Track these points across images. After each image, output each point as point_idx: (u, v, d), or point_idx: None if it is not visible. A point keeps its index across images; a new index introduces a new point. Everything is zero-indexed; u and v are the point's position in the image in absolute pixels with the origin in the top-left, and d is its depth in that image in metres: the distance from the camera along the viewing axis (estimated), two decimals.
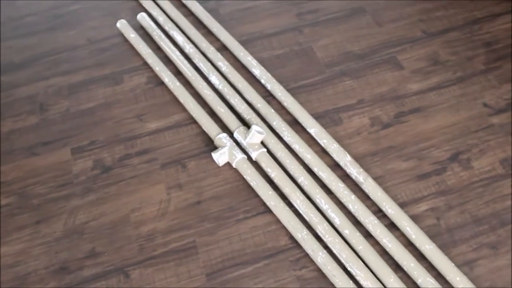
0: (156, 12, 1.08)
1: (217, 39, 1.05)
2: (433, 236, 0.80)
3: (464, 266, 0.78)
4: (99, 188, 0.86)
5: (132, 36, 1.03)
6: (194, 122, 0.93)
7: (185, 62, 0.98)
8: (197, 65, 0.99)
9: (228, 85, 0.96)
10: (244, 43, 1.04)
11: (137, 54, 1.03)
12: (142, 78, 0.99)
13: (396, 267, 0.77)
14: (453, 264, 0.76)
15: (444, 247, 0.79)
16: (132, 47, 1.04)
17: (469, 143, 0.89)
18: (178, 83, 0.96)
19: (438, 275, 0.76)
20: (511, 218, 0.81)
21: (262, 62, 1.01)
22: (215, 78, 0.96)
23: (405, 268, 0.76)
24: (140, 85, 0.99)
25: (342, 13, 1.09)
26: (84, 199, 0.85)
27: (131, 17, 1.10)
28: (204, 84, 0.95)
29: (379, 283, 0.75)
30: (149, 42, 1.04)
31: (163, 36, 1.03)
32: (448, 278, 0.75)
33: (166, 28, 1.05)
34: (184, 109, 0.95)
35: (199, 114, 0.92)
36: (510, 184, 0.85)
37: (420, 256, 0.78)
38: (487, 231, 0.81)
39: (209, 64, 0.99)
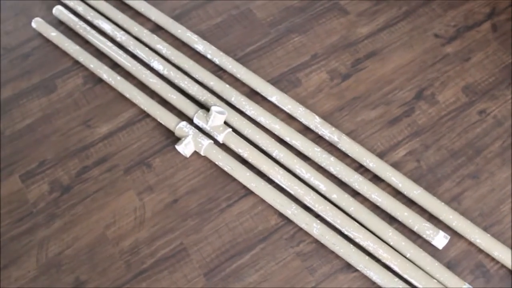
0: (72, 2, 0.96)
1: (148, 19, 0.95)
2: (417, 179, 0.80)
3: (453, 202, 0.78)
4: (63, 211, 0.78)
5: (54, 35, 0.91)
6: (147, 116, 0.86)
7: (120, 52, 0.89)
8: (134, 52, 0.90)
9: (174, 68, 0.88)
10: (178, 18, 0.95)
11: (64, 54, 0.92)
12: (77, 80, 0.89)
13: (390, 220, 0.77)
14: (442, 203, 0.76)
15: (430, 188, 0.79)
16: (56, 47, 0.93)
17: (429, 77, 0.88)
18: (118, 77, 0.87)
19: (431, 217, 0.77)
20: (483, 144, 0.83)
21: (202, 35, 0.93)
22: (157, 64, 0.88)
23: (399, 219, 0.76)
24: (77, 87, 0.89)
25: None
26: (50, 228, 0.77)
27: (46, 13, 0.97)
28: (147, 72, 0.87)
29: (379, 239, 0.74)
30: (74, 38, 0.93)
31: (88, 28, 0.92)
32: (441, 218, 0.76)
33: (89, 18, 0.94)
34: (133, 104, 0.86)
35: (151, 106, 0.84)
36: (476, 111, 0.85)
37: (410, 203, 0.78)
38: (465, 162, 0.81)
39: (147, 49, 0.90)
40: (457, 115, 0.85)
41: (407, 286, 0.70)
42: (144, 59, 0.89)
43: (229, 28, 0.94)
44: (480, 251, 0.75)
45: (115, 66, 0.90)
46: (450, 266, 0.74)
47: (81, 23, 0.93)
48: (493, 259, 0.75)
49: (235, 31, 0.94)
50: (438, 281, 0.71)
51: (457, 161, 0.81)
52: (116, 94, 0.88)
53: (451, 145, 0.83)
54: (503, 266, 0.74)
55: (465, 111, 0.85)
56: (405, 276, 0.71)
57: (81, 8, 0.95)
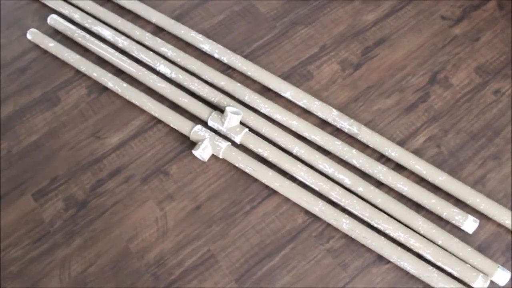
0: (67, 10, 0.92)
1: (149, 22, 0.92)
2: (439, 164, 0.79)
3: (477, 184, 0.78)
4: (82, 228, 0.75)
5: (51, 45, 0.88)
6: (159, 122, 0.83)
7: (124, 58, 0.86)
8: (138, 57, 0.87)
9: (181, 71, 0.85)
10: (179, 18, 0.92)
11: (64, 64, 0.88)
12: (81, 90, 0.86)
13: (418, 208, 0.76)
14: (468, 187, 0.76)
15: (453, 172, 0.78)
16: (55, 58, 0.89)
17: (441, 60, 0.87)
18: (125, 84, 0.84)
19: (457, 202, 0.76)
20: (501, 124, 0.82)
21: (206, 34, 0.91)
22: (164, 67, 0.85)
23: (427, 206, 0.75)
24: (81, 98, 0.85)
25: None
26: (71, 246, 0.74)
27: (40, 23, 0.93)
28: (155, 77, 0.84)
29: (409, 229, 0.73)
30: (73, 47, 0.89)
31: (87, 35, 0.88)
32: (468, 202, 0.75)
33: (87, 25, 0.90)
34: (142, 111, 0.84)
35: (162, 111, 0.81)
36: (491, 91, 0.85)
37: (435, 189, 0.77)
38: (486, 143, 0.81)
39: (151, 53, 0.87)
40: (472, 96, 0.84)
41: (442, 273, 0.70)
42: (150, 64, 0.86)
43: (233, 25, 0.92)
44: (510, 232, 0.75)
45: (119, 73, 0.87)
46: (481, 249, 0.74)
47: (79, 31, 0.89)
48: None
49: (239, 27, 0.92)
50: (472, 266, 0.71)
51: (478, 143, 0.81)
52: (123, 102, 0.85)
53: (470, 127, 0.82)
54: None
55: (480, 92, 0.84)
56: (439, 263, 0.71)
57: (77, 15, 0.91)
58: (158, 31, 0.91)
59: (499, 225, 0.75)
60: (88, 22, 0.90)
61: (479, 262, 0.71)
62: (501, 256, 0.73)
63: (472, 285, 0.70)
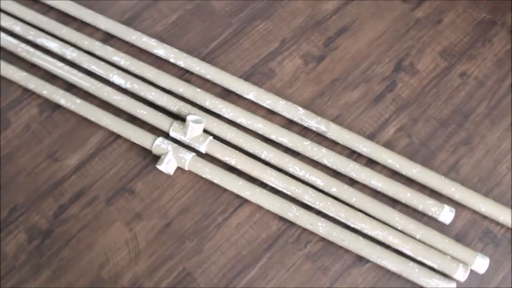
0: (7, 22, 0.85)
1: (97, 29, 0.86)
2: (412, 155, 0.78)
3: (451, 172, 0.77)
4: (49, 259, 0.71)
5: None
6: (118, 137, 0.78)
7: (74, 71, 0.80)
8: (90, 69, 0.81)
9: (137, 80, 0.80)
10: (130, 22, 0.87)
11: (10, 83, 0.82)
12: (32, 110, 0.80)
13: (393, 203, 0.74)
14: (442, 177, 0.75)
15: (426, 162, 0.77)
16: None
17: (405, 46, 0.85)
18: (78, 100, 0.78)
19: (432, 193, 0.75)
20: (470, 108, 0.81)
21: (160, 37, 0.85)
22: (117, 78, 0.80)
23: (402, 201, 0.73)
24: (33, 118, 0.80)
25: None
26: (38, 279, 0.70)
27: None
28: (109, 89, 0.79)
29: (387, 226, 0.72)
30: (18, 63, 0.83)
31: (31, 49, 0.82)
32: (443, 192, 0.74)
33: (30, 37, 0.84)
34: (99, 127, 0.79)
35: (120, 126, 0.77)
36: (457, 74, 0.83)
37: (409, 182, 0.76)
38: (456, 129, 0.80)
39: (103, 63, 0.82)
40: (439, 81, 0.82)
41: (422, 267, 0.69)
42: (102, 75, 0.81)
43: (188, 25, 0.87)
44: (485, 217, 0.74)
45: (71, 88, 0.81)
46: (459, 238, 0.73)
47: (23, 45, 0.83)
48: (498, 223, 0.74)
49: (195, 27, 0.87)
50: (452, 257, 0.70)
51: (448, 129, 0.79)
52: (78, 119, 0.80)
53: (439, 114, 0.80)
54: (509, 228, 0.74)
55: (446, 76, 0.83)
56: (419, 258, 0.70)
57: (18, 28, 0.84)
58: (108, 38, 0.86)
59: (475, 211, 0.74)
60: (31, 35, 0.84)
61: (458, 252, 0.70)
62: (478, 242, 0.73)
63: (453, 276, 0.69)
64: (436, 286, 0.68)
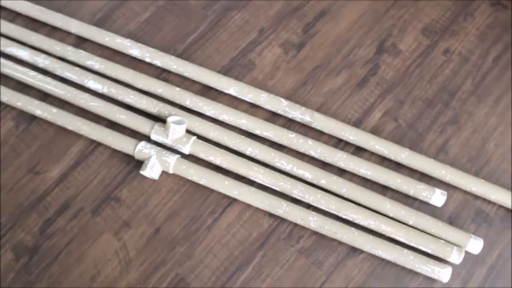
0: None
1: (69, 33, 0.83)
2: (399, 139, 0.76)
3: (440, 153, 0.76)
4: (38, 276, 0.70)
5: None
6: (99, 144, 0.76)
7: (48, 79, 0.78)
8: (64, 76, 0.79)
9: (113, 83, 0.78)
10: (101, 23, 0.84)
11: None
12: (8, 123, 0.78)
13: (384, 189, 0.73)
14: (431, 160, 0.74)
15: (414, 145, 0.76)
16: None
17: (386, 26, 0.83)
18: (54, 110, 0.76)
19: (422, 176, 0.74)
20: (455, 85, 0.79)
21: (134, 36, 0.83)
22: (93, 83, 0.78)
23: (393, 187, 0.72)
24: (10, 132, 0.77)
25: None
26: None
27: None
28: (86, 95, 0.77)
29: (378, 214, 0.71)
30: None
31: (2, 59, 0.80)
32: (434, 175, 0.73)
33: None
34: (79, 136, 0.76)
35: (100, 133, 0.75)
36: (440, 52, 0.81)
37: (399, 167, 0.75)
38: (442, 109, 0.78)
39: (77, 68, 0.79)
40: (422, 60, 0.80)
41: (417, 254, 0.68)
42: (77, 81, 0.78)
43: (161, 21, 0.84)
44: (477, 197, 0.74)
45: (46, 97, 0.79)
46: (452, 220, 0.72)
47: None
48: (490, 202, 0.74)
49: (169, 22, 0.84)
50: (445, 240, 0.69)
51: (434, 110, 0.78)
52: (56, 129, 0.77)
53: (425, 94, 0.79)
54: (501, 206, 0.73)
55: (429, 54, 0.81)
56: (412, 244, 0.69)
57: None
58: (80, 42, 0.83)
59: (466, 192, 0.74)
60: None
61: (451, 235, 0.69)
62: (471, 223, 0.73)
63: (448, 259, 0.69)
64: (431, 271, 0.68)
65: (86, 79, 0.78)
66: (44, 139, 0.77)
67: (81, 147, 0.76)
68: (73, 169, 0.75)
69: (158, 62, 0.80)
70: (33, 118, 0.78)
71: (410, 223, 0.70)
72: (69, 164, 0.76)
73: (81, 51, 0.80)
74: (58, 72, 0.79)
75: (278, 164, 0.73)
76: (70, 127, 0.76)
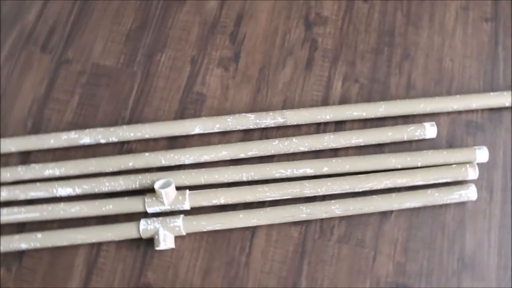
0: None
1: (10, 154, 0.77)
2: (369, 96, 0.78)
3: (409, 90, 0.78)
4: None
5: None
6: (100, 244, 0.71)
7: (14, 209, 0.71)
8: (29, 198, 0.72)
9: (83, 180, 0.73)
10: (37, 127, 0.78)
11: None
12: None
13: (380, 148, 0.75)
14: (406, 100, 0.75)
15: (385, 95, 0.78)
16: None
17: (302, 1, 0.83)
18: (39, 235, 0.70)
19: (406, 119, 0.76)
20: (389, 24, 0.81)
21: (76, 125, 0.78)
22: (63, 189, 0.72)
23: (388, 141, 0.74)
24: (5, 279, 0.70)
25: None
26: None
27: None
28: (61, 205, 0.71)
29: (389, 172, 0.71)
30: None
31: None
32: (416, 112, 0.75)
33: None
34: (77, 246, 0.72)
35: (97, 233, 0.70)
36: (361, 1, 0.83)
37: (382, 121, 0.76)
38: (390, 50, 0.80)
39: (38, 183, 0.73)
40: (350, 16, 0.82)
41: (439, 188, 0.70)
42: (46, 196, 0.73)
43: (95, 98, 0.80)
44: (460, 113, 0.76)
45: (22, 227, 0.73)
46: (451, 143, 0.75)
47: None
48: (473, 111, 0.77)
49: (102, 95, 0.80)
50: (456, 163, 0.72)
51: (384, 54, 0.80)
52: (51, 252, 0.72)
53: (368, 45, 0.80)
54: (483, 110, 0.77)
55: (353, 7, 0.82)
56: (432, 182, 0.71)
57: None
58: (26, 157, 0.76)
59: (449, 113, 0.76)
60: None
61: (458, 156, 0.72)
62: (467, 137, 0.75)
63: (467, 179, 0.71)
64: (459, 196, 0.70)
65: (53, 189, 0.73)
66: (43, 268, 0.71)
67: (84, 255, 0.72)
68: (88, 280, 0.71)
69: (113, 138, 0.76)
70: (21, 253, 0.72)
71: (419, 164, 0.72)
72: (81, 277, 0.71)
73: (33, 164, 0.75)
74: (22, 196, 0.73)
75: (277, 175, 0.72)
76: (64, 243, 0.71)
